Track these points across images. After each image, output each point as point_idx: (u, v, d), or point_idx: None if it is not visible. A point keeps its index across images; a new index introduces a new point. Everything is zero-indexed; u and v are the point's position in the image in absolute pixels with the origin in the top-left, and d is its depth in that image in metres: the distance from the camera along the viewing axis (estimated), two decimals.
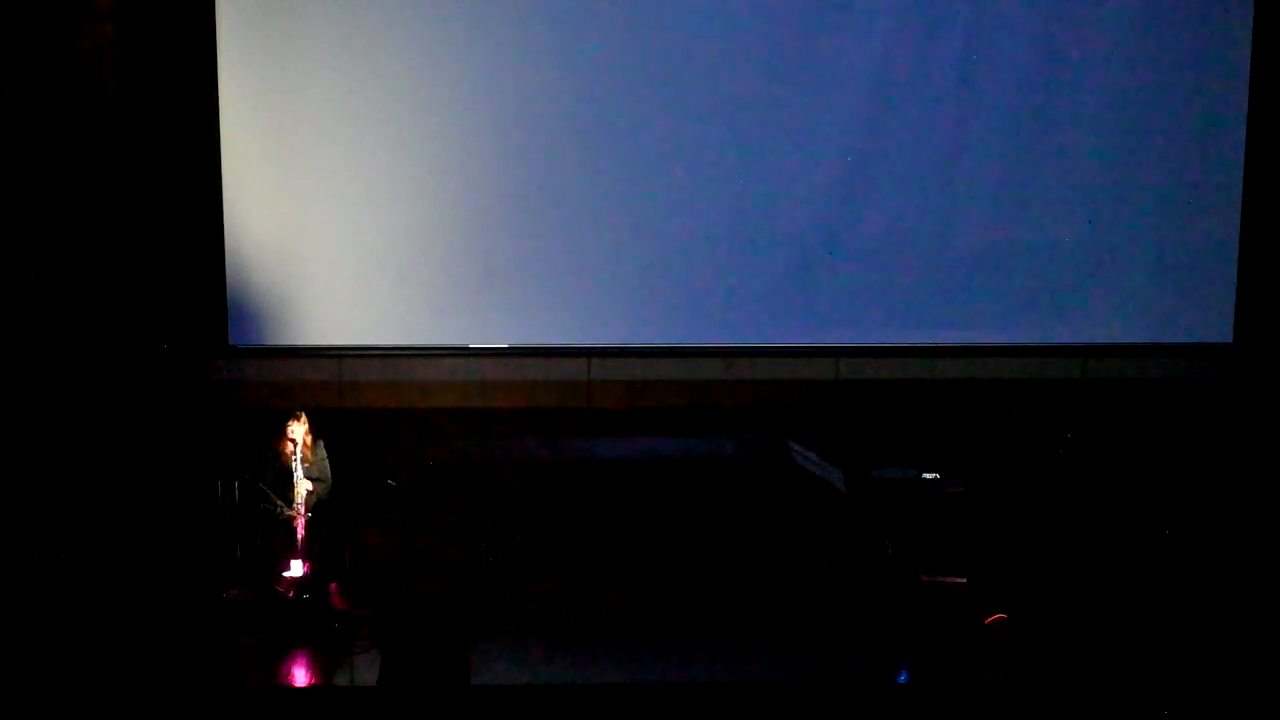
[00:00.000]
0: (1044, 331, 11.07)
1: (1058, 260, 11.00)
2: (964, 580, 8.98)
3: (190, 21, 10.67)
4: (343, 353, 11.01)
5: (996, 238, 10.99)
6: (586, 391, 11.12)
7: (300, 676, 8.49)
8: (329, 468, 9.38)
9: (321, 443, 9.39)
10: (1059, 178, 10.94)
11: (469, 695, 8.17)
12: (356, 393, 11.01)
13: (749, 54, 10.82)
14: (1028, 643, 8.55)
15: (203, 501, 9.56)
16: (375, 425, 10.79)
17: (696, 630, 8.89)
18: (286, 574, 9.01)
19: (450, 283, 10.97)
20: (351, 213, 10.87)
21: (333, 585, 9.16)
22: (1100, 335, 11.08)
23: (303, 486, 9.21)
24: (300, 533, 9.13)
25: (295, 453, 9.25)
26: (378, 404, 10.99)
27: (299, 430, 9.30)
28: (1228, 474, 10.40)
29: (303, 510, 9.17)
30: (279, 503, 9.18)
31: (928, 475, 9.39)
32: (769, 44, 10.82)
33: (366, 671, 8.47)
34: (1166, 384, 11.10)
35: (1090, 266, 11.02)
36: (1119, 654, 8.49)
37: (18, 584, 9.14)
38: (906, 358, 11.10)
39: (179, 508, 9.91)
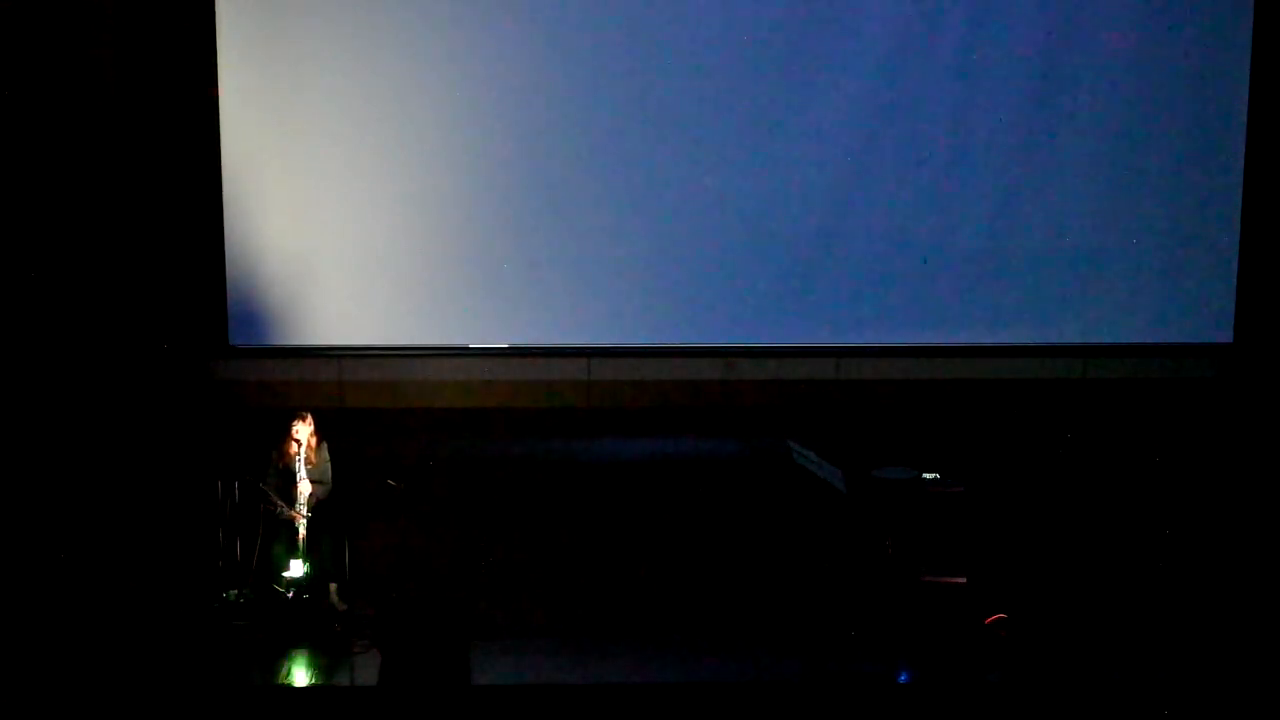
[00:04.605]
0: (1044, 331, 11.07)
1: (1058, 260, 11.01)
2: (964, 580, 8.97)
3: (190, 21, 10.68)
4: (343, 353, 11.02)
5: (996, 238, 11.00)
6: (586, 391, 11.12)
7: (300, 676, 8.48)
8: (330, 471, 9.37)
9: (326, 445, 9.38)
10: (1059, 178, 10.95)
11: (469, 695, 8.17)
12: (356, 393, 11.01)
13: (749, 55, 10.83)
14: (1028, 643, 8.54)
15: (203, 501, 9.55)
16: (375, 425, 10.78)
17: (696, 630, 8.88)
18: (286, 574, 9.01)
19: (450, 283, 10.98)
20: (351, 213, 10.88)
21: (333, 585, 9.16)
22: (1100, 335, 11.08)
23: (304, 488, 9.19)
24: (301, 533, 9.12)
25: (299, 453, 9.23)
26: (378, 404, 10.99)
27: (304, 431, 9.28)
28: (1228, 474, 10.40)
29: (303, 511, 9.16)
30: (279, 503, 9.17)
31: (928, 475, 9.38)
32: (769, 45, 10.83)
33: (366, 671, 8.47)
34: (1166, 384, 11.10)
35: (1090, 266, 11.02)
36: (1119, 654, 8.49)
37: (18, 584, 9.14)
38: (906, 358, 11.11)
39: (179, 508, 9.91)
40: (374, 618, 8.79)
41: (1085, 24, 10.83)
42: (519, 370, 11.08)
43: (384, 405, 10.98)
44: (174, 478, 10.18)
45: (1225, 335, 11.07)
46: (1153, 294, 11.05)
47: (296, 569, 9.02)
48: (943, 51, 10.84)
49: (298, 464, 9.24)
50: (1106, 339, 11.09)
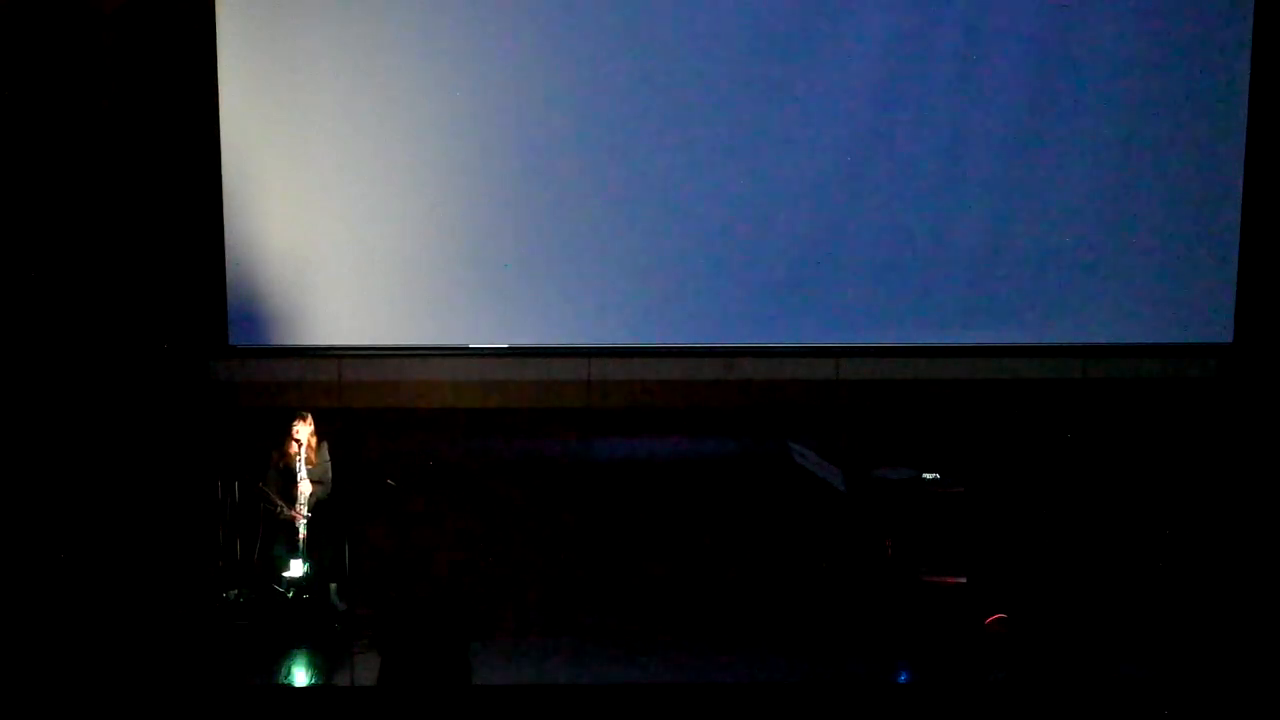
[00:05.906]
0: (1044, 331, 11.07)
1: (1058, 260, 11.00)
2: (964, 580, 8.98)
3: (190, 21, 10.68)
4: (343, 353, 11.01)
5: (996, 238, 11.00)
6: (586, 391, 11.12)
7: (300, 676, 8.49)
8: (330, 470, 9.37)
9: (326, 445, 9.39)
10: (1059, 178, 10.94)
11: (469, 695, 8.17)
12: (356, 393, 11.01)
13: (749, 54, 10.82)
14: (1028, 643, 8.55)
15: (203, 501, 9.56)
16: (375, 425, 10.78)
17: (696, 630, 8.88)
18: (286, 574, 9.01)
19: (450, 283, 10.97)
20: (351, 213, 10.87)
21: (333, 585, 9.16)
22: (1100, 335, 11.08)
23: (305, 487, 9.20)
24: (301, 533, 9.13)
25: (299, 453, 9.24)
26: (378, 404, 10.99)
27: (304, 431, 9.29)
28: (1228, 474, 10.40)
29: (303, 511, 9.17)
30: (279, 503, 9.18)
31: (928, 475, 9.39)
32: (769, 45, 10.82)
33: (366, 671, 8.47)
34: (1166, 384, 11.10)
35: (1090, 266, 11.02)
36: (1119, 653, 8.49)
37: (18, 584, 9.14)
38: (906, 358, 11.11)
39: (179, 508, 9.91)
40: (374, 618, 8.79)
41: (1085, 24, 10.82)
42: (519, 370, 11.07)
43: (384, 405, 10.98)
44: (174, 478, 10.18)
45: (1225, 335, 11.07)
46: (1153, 294, 11.05)
47: (296, 569, 9.03)
48: (943, 52, 10.83)
49: (298, 464, 9.25)
50: (1106, 339, 11.08)
